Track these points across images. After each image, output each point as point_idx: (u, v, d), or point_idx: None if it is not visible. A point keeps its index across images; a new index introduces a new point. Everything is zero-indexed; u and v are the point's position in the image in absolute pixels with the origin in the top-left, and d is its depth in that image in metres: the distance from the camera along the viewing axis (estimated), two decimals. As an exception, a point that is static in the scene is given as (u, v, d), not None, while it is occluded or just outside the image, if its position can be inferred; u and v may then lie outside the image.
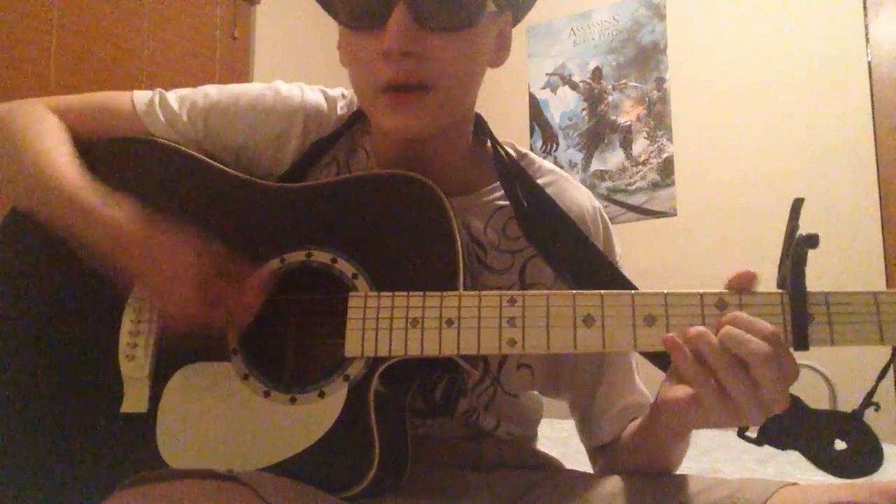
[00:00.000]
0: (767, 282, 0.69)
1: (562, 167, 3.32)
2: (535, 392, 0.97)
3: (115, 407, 0.76)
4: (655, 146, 3.23)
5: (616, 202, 3.26)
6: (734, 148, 3.04)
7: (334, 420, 0.71)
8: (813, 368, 2.41)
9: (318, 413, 0.71)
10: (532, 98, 3.54)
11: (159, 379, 0.77)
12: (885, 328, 0.64)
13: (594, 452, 0.96)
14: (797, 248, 0.65)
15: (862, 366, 1.27)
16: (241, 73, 3.11)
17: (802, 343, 0.65)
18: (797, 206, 0.66)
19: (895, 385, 2.23)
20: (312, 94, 0.93)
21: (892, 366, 0.68)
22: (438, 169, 0.86)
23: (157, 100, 0.92)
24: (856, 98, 2.83)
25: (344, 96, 0.95)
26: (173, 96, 0.93)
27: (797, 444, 0.67)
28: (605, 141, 3.35)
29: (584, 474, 0.91)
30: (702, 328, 0.65)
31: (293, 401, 0.73)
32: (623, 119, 3.32)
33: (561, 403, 0.99)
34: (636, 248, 2.96)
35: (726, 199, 3.02)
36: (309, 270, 0.78)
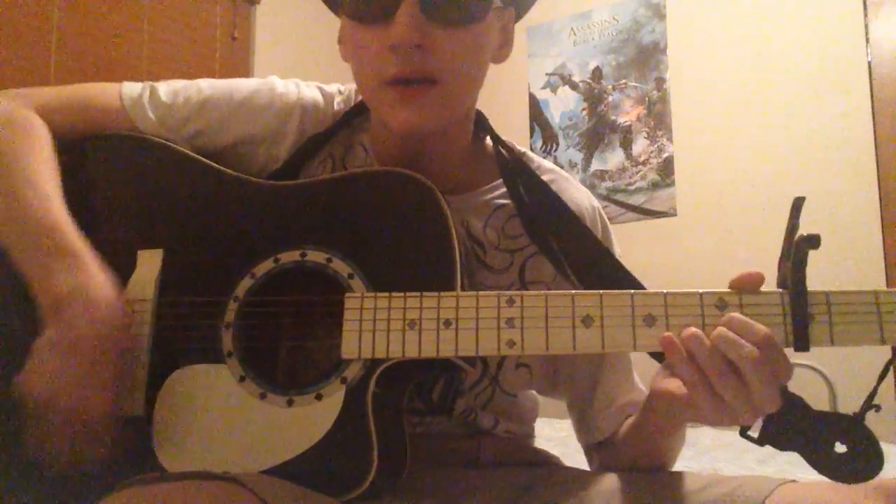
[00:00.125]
0: (767, 281, 0.68)
1: (562, 167, 3.31)
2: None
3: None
4: (655, 146, 3.23)
5: (616, 202, 3.26)
6: (734, 148, 3.04)
7: (332, 423, 0.70)
8: (813, 368, 2.41)
9: (316, 416, 0.71)
10: (532, 98, 3.54)
11: (154, 382, 0.76)
12: (885, 328, 0.64)
13: (591, 450, 0.96)
14: (798, 249, 0.64)
15: (862, 366, 1.26)
16: (240, 73, 3.11)
17: (803, 344, 0.65)
18: (797, 204, 0.66)
19: (895, 386, 2.23)
20: (309, 90, 0.93)
21: (892, 366, 0.68)
22: (438, 167, 0.85)
23: (146, 94, 0.90)
24: (856, 98, 2.83)
25: (340, 92, 0.94)
26: (165, 89, 0.91)
27: (797, 445, 0.67)
28: (605, 141, 3.34)
29: (583, 472, 0.91)
30: (696, 330, 0.65)
31: (290, 403, 0.72)
32: (623, 119, 3.32)
33: (560, 403, 0.99)
34: (636, 248, 2.95)
35: (726, 199, 3.02)
36: (304, 270, 0.77)
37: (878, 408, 0.66)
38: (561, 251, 0.86)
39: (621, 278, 0.83)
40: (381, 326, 0.71)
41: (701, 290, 0.68)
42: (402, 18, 0.75)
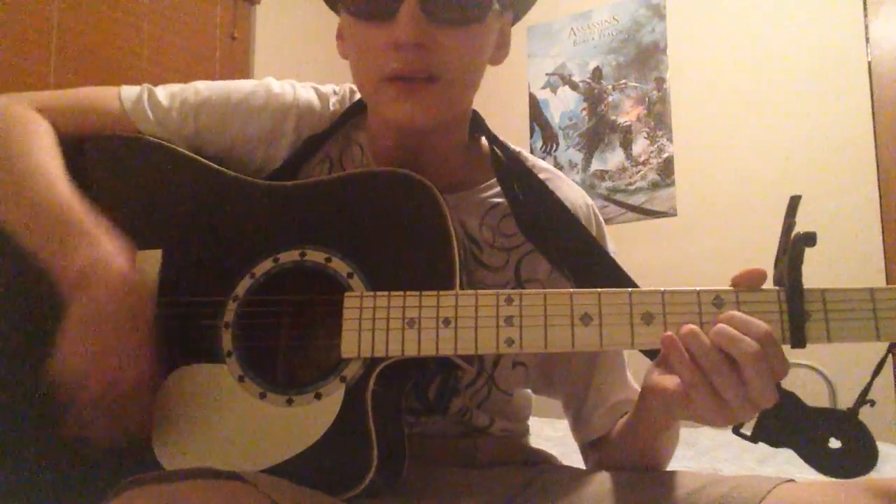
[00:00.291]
0: (766, 281, 0.69)
1: (562, 167, 3.33)
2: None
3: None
4: (655, 146, 3.23)
5: (616, 202, 3.26)
6: (734, 148, 3.04)
7: (331, 422, 0.70)
8: (812, 367, 2.41)
9: (315, 415, 0.71)
10: (532, 98, 3.54)
11: (154, 382, 0.76)
12: (881, 324, 0.64)
13: (586, 449, 0.97)
14: (794, 246, 0.65)
15: (861, 364, 1.26)
16: (240, 73, 3.11)
17: (800, 341, 0.65)
18: (794, 202, 0.66)
19: (894, 382, 2.23)
20: (304, 91, 0.93)
21: (888, 363, 0.68)
22: (434, 165, 0.86)
23: (145, 96, 0.91)
24: (856, 98, 2.83)
25: (335, 92, 0.95)
26: (163, 92, 0.92)
27: (791, 441, 0.67)
28: (605, 141, 3.34)
29: (580, 470, 0.91)
30: (693, 327, 0.66)
31: (290, 402, 0.72)
32: (623, 119, 3.32)
33: (559, 403, 0.99)
34: (636, 248, 2.95)
35: (726, 199, 3.02)
36: (303, 270, 0.77)
37: (872, 403, 0.66)
38: (556, 248, 0.86)
39: (616, 275, 0.83)
40: (380, 325, 0.71)
41: (698, 288, 0.68)
42: (404, 18, 0.76)
